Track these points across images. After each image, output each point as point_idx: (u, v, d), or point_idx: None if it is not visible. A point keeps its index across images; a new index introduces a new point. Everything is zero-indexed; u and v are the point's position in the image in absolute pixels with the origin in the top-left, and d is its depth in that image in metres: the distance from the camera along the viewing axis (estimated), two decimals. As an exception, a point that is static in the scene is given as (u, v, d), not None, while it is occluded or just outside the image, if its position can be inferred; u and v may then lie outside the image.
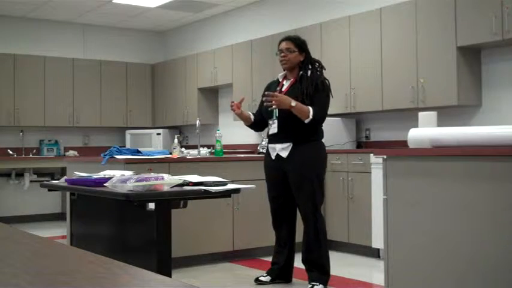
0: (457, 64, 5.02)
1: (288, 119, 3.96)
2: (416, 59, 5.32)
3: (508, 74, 5.06)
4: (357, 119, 6.31)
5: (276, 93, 3.96)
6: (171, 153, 5.25)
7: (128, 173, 3.25)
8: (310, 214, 4.06)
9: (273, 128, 4.08)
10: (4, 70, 8.01)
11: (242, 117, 4.28)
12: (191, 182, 3.09)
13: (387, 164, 3.15)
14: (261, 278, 4.29)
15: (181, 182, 2.99)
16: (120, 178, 2.89)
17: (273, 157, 4.13)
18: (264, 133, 6.84)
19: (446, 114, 5.27)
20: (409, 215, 3.05)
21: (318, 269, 4.10)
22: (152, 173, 3.16)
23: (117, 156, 4.74)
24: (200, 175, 3.39)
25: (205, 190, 2.96)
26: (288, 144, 4.04)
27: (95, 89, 8.70)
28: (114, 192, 2.85)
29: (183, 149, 5.88)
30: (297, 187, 4.04)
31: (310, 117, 3.91)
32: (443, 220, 2.87)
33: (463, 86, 5.07)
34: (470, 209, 2.77)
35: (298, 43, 4.13)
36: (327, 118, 5.98)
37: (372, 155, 5.07)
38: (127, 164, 4.58)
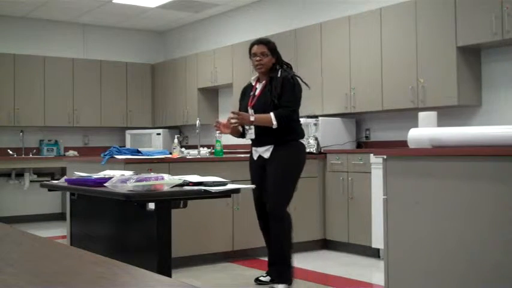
0: (457, 64, 5.02)
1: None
2: (416, 59, 5.32)
3: (508, 74, 5.06)
4: (357, 119, 6.31)
5: (237, 112, 4.05)
6: (171, 153, 5.25)
7: (128, 173, 3.25)
8: (277, 212, 4.09)
9: (250, 134, 4.18)
10: (4, 70, 8.01)
11: (233, 132, 4.26)
12: (191, 182, 3.08)
13: (387, 164, 3.15)
14: (261, 278, 4.30)
15: (181, 182, 2.99)
16: (120, 178, 2.89)
17: (255, 158, 4.23)
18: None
19: (446, 114, 5.27)
20: (409, 215, 3.05)
21: (280, 266, 4.10)
22: (152, 173, 3.16)
23: (117, 156, 4.74)
24: (200, 175, 3.39)
25: (205, 190, 2.96)
26: (268, 146, 4.12)
27: (95, 89, 8.69)
28: (114, 192, 2.85)
29: (183, 149, 5.89)
30: (270, 185, 4.08)
31: (274, 122, 3.99)
32: (443, 220, 2.87)
33: (463, 86, 5.07)
34: (470, 209, 2.77)
35: (271, 47, 4.17)
36: (327, 118, 6.04)
37: (372, 155, 5.07)
38: (127, 164, 4.58)
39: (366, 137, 6.29)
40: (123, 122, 8.96)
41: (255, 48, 4.17)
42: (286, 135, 4.08)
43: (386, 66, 5.61)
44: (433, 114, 4.47)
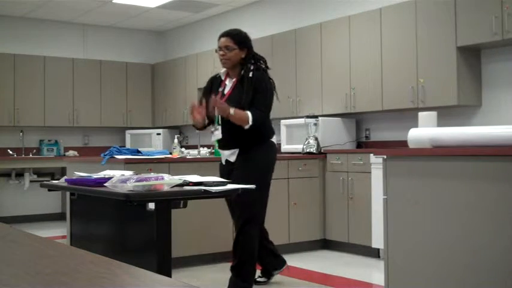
0: (457, 64, 5.02)
1: (231, 125, 3.80)
2: (416, 59, 5.32)
3: (508, 74, 5.06)
4: (357, 119, 6.31)
5: (218, 100, 3.75)
6: (171, 153, 5.25)
7: (127, 173, 3.25)
8: (243, 223, 3.89)
9: (216, 134, 3.90)
10: (4, 70, 8.01)
11: (199, 121, 3.93)
12: (191, 182, 3.08)
13: (387, 164, 3.15)
14: (258, 279, 4.27)
15: (181, 182, 2.99)
16: (120, 178, 2.89)
17: (223, 162, 4.04)
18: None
19: (446, 114, 5.27)
20: (409, 215, 3.05)
21: (238, 275, 3.94)
22: (152, 173, 3.16)
23: (117, 156, 4.74)
24: (200, 175, 3.39)
25: (205, 190, 2.96)
26: (234, 150, 3.91)
27: (95, 89, 8.70)
28: (114, 192, 2.85)
29: (183, 149, 5.89)
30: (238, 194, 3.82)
31: (250, 123, 3.74)
32: (443, 220, 2.87)
33: (463, 86, 5.07)
34: (470, 209, 2.77)
35: (237, 39, 3.87)
36: (327, 118, 6.05)
37: (372, 155, 5.07)
38: (127, 164, 4.58)
39: (366, 137, 6.29)
40: (123, 122, 8.96)
41: (220, 41, 3.89)
42: (252, 138, 3.85)
43: (386, 66, 5.61)
44: (433, 114, 4.47)
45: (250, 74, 3.84)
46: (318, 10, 6.81)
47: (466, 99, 5.11)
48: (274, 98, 3.98)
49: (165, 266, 2.95)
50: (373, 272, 4.86)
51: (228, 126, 3.82)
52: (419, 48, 5.31)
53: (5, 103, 8.00)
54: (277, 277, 4.56)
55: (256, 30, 7.57)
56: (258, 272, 4.37)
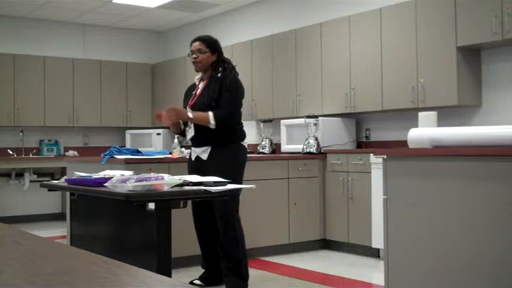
0: (457, 64, 5.02)
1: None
2: (416, 59, 5.32)
3: (508, 74, 5.06)
4: (357, 119, 6.31)
5: (173, 108, 3.96)
6: (171, 153, 5.25)
7: (128, 173, 3.25)
8: (226, 219, 3.96)
9: (190, 132, 4.06)
10: (4, 70, 8.01)
11: (173, 126, 4.15)
12: (191, 182, 3.08)
13: (387, 164, 3.15)
14: (195, 282, 4.23)
15: (181, 182, 2.99)
16: (120, 178, 2.89)
17: (193, 158, 4.12)
18: (263, 133, 6.84)
19: (446, 114, 5.27)
20: (409, 215, 3.05)
21: (235, 273, 3.98)
22: (152, 173, 3.16)
23: (117, 156, 4.74)
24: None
25: (205, 190, 2.96)
26: (206, 147, 4.01)
27: (95, 89, 8.70)
28: (114, 192, 2.85)
29: (183, 149, 5.88)
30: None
31: (212, 122, 3.87)
32: (443, 220, 2.87)
33: (463, 86, 5.07)
34: (470, 209, 2.77)
35: (209, 43, 4.11)
36: (327, 118, 6.04)
37: (372, 155, 5.07)
38: (127, 164, 4.58)
39: (366, 137, 6.29)
40: (123, 122, 8.96)
41: (192, 46, 4.13)
42: (225, 136, 3.96)
43: (386, 66, 5.61)
44: (433, 114, 4.47)
45: (219, 75, 4.03)
46: (318, 10, 6.81)
47: (466, 99, 5.11)
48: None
49: (165, 266, 2.95)
50: (373, 272, 4.86)
51: (199, 125, 3.96)
52: (419, 48, 5.31)
53: (5, 103, 8.00)
54: (277, 277, 4.56)
55: (256, 30, 7.58)
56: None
